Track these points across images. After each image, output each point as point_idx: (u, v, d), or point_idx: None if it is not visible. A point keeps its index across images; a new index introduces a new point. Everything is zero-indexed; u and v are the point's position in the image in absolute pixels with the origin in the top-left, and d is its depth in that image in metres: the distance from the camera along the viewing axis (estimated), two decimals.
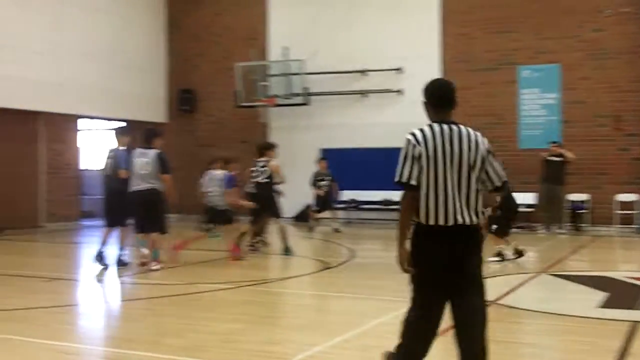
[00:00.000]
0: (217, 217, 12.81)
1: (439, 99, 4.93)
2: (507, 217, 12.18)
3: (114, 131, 12.42)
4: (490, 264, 11.25)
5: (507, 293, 9.16)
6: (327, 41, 21.05)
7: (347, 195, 20.16)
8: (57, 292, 9.84)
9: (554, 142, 17.94)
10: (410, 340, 4.93)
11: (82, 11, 20.39)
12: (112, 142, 12.31)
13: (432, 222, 4.73)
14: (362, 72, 20.80)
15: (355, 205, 20.33)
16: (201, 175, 13.65)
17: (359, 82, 20.93)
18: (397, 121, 18.11)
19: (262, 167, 13.50)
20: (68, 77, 19.60)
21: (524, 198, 18.59)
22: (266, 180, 13.38)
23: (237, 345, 6.62)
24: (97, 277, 11.14)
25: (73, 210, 20.63)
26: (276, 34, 22.03)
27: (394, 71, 20.30)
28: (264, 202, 13.31)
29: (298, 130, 21.49)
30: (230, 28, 22.81)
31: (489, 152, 4.86)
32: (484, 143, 4.85)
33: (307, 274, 11.33)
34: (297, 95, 21.02)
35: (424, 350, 4.89)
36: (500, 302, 8.53)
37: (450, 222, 4.71)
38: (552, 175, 17.60)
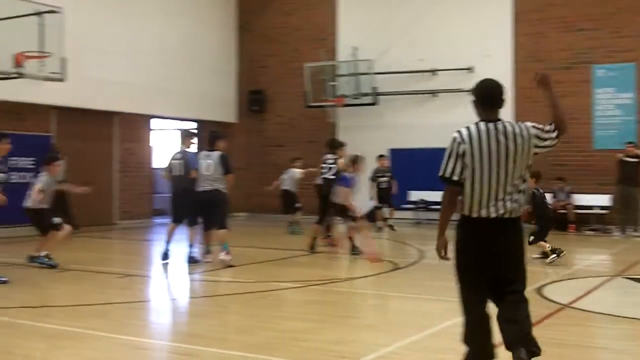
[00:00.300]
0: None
1: (486, 98, 5.20)
2: (547, 228, 12.14)
3: (179, 133, 12.76)
4: (534, 261, 11.18)
5: (582, 297, 8.99)
6: (397, 41, 20.95)
7: (416, 195, 20.06)
8: (131, 289, 10.04)
9: (630, 143, 17.49)
10: (472, 344, 5.13)
11: (158, 14, 20.80)
12: (177, 144, 12.63)
13: (476, 214, 5.00)
14: (432, 71, 20.65)
15: (425, 205, 20.18)
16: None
17: (428, 81, 20.78)
18: (467, 121, 17.35)
19: (332, 163, 13.59)
20: (142, 78, 20.02)
21: (598, 200, 18.28)
22: (333, 177, 13.46)
23: (306, 343, 6.64)
24: (167, 274, 11.34)
25: (145, 208, 21.02)
26: (345, 34, 22.05)
27: (464, 71, 20.08)
28: (329, 199, 13.42)
29: (366, 130, 21.45)
30: (299, 28, 22.92)
31: (536, 135, 5.03)
32: (529, 130, 5.03)
33: (376, 274, 11.30)
34: (366, 95, 21.01)
35: (490, 348, 5.10)
36: (575, 305, 8.38)
37: (494, 215, 4.96)
38: (628, 176, 17.17)
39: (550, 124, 5.06)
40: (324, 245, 13.81)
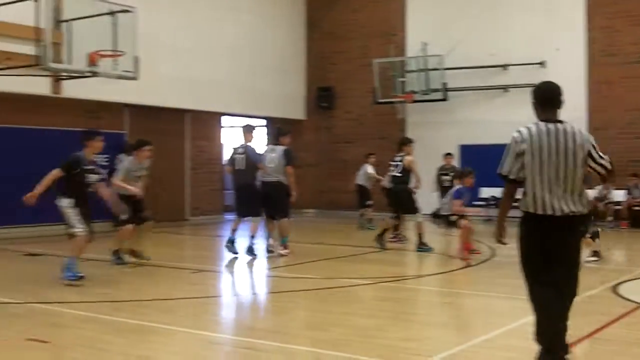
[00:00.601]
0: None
1: (545, 99, 5.40)
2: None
3: (241, 128, 13.00)
4: (589, 264, 10.84)
5: None
6: (467, 35, 20.70)
7: (487, 192, 19.84)
8: (203, 284, 10.21)
9: None
10: (544, 342, 5.27)
11: (228, 12, 21.03)
12: (239, 139, 13.00)
13: (538, 211, 5.21)
14: (503, 66, 20.38)
15: (495, 202, 19.92)
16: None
17: (499, 76, 20.52)
18: None
19: (399, 161, 13.59)
20: (213, 76, 20.28)
21: None
22: (399, 174, 13.45)
23: (378, 340, 6.64)
24: (239, 270, 11.48)
25: (216, 204, 21.30)
26: (414, 30, 21.94)
27: (536, 65, 19.76)
28: (397, 197, 13.46)
29: (436, 126, 21.32)
30: (367, 24, 22.89)
31: (593, 146, 5.30)
32: (588, 139, 5.29)
33: (447, 271, 11.24)
34: (436, 90, 20.85)
35: (562, 345, 5.27)
36: None
37: (550, 212, 5.18)
38: None
39: (609, 161, 5.35)
40: (390, 242, 13.78)
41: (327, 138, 23.52)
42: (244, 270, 11.62)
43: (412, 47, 21.66)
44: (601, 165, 5.31)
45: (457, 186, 12.60)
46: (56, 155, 16.84)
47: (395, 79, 21.30)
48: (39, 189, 9.69)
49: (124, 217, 11.20)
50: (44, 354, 6.26)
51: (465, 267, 11.43)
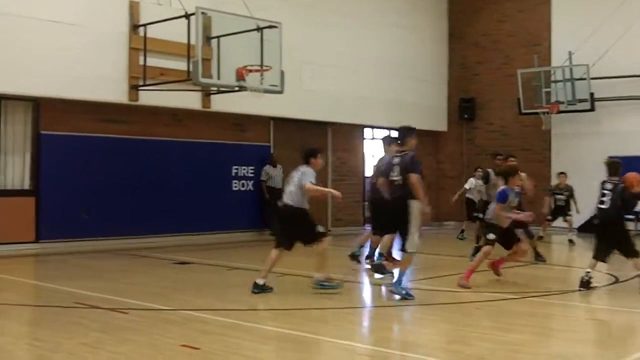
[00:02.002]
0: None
1: None
2: None
3: (381, 140, 12.89)
4: None
5: None
6: (614, 44, 19.95)
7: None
8: (346, 294, 10.27)
9: None
10: None
11: (375, 26, 21.25)
12: (380, 151, 12.83)
13: None
14: None
15: None
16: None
17: None
18: None
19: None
20: (355, 89, 20.48)
21: None
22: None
23: (528, 357, 6.51)
24: (381, 281, 11.49)
25: (357, 215, 21.45)
26: (560, 39, 21.37)
27: None
28: None
29: (582, 137, 20.67)
30: (511, 34, 22.50)
31: None
32: None
33: (593, 287, 10.85)
34: (582, 101, 20.22)
35: None
36: None
37: None
38: None
39: None
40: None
41: (468, 150, 23.25)
42: (385, 282, 11.62)
43: (557, 57, 21.13)
44: None
45: (502, 187, 11.11)
46: (206, 166, 17.75)
47: (539, 89, 20.82)
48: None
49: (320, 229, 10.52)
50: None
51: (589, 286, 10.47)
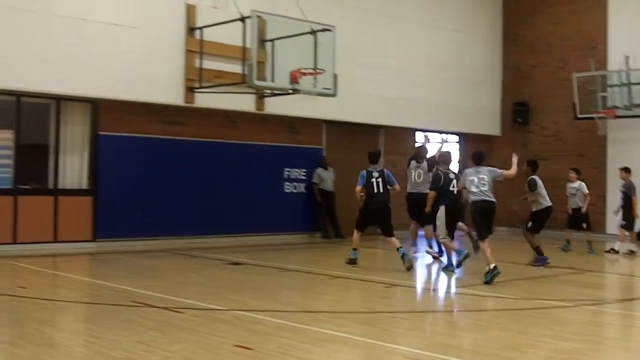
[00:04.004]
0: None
1: None
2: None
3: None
4: None
5: None
6: None
7: None
8: (396, 298, 10.32)
9: None
10: None
11: (428, 29, 21.25)
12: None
13: None
14: None
15: None
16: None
17: None
18: None
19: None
20: (408, 92, 20.47)
21: None
22: None
23: None
24: (430, 286, 11.49)
25: (409, 219, 21.31)
26: (617, 43, 21.05)
27: None
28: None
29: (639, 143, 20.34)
30: (566, 38, 22.24)
31: None
32: None
33: None
34: (639, 106, 19.90)
35: None
36: None
37: None
38: None
39: None
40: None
41: (522, 155, 22.94)
42: (437, 286, 11.62)
43: (614, 61, 20.79)
44: None
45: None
46: (259, 168, 17.90)
47: (595, 94, 20.53)
48: None
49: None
50: None
51: None
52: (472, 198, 11.86)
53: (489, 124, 23.19)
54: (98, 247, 15.28)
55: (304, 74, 14.83)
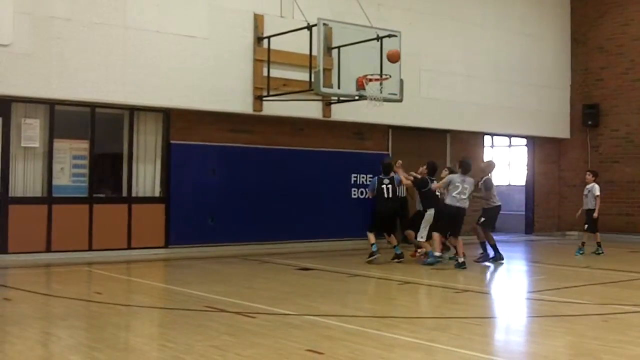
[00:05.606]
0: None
1: None
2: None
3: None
4: None
5: None
6: None
7: None
8: (468, 303, 10.26)
9: None
10: None
11: (494, 32, 21.10)
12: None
13: None
14: None
15: None
16: None
17: None
18: None
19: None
20: (475, 96, 20.37)
21: None
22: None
23: None
24: (503, 291, 11.39)
25: (468, 225, 21.17)
26: None
27: None
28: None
29: None
30: (637, 38, 21.80)
31: None
32: None
33: None
34: None
35: None
36: None
37: None
38: None
39: None
40: None
41: (593, 157, 22.63)
42: (509, 291, 11.53)
43: None
44: None
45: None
46: (326, 174, 18.01)
47: None
48: None
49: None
50: None
51: None
52: (448, 202, 13.67)
53: (558, 126, 22.85)
54: (170, 254, 15.58)
55: (370, 80, 14.86)
